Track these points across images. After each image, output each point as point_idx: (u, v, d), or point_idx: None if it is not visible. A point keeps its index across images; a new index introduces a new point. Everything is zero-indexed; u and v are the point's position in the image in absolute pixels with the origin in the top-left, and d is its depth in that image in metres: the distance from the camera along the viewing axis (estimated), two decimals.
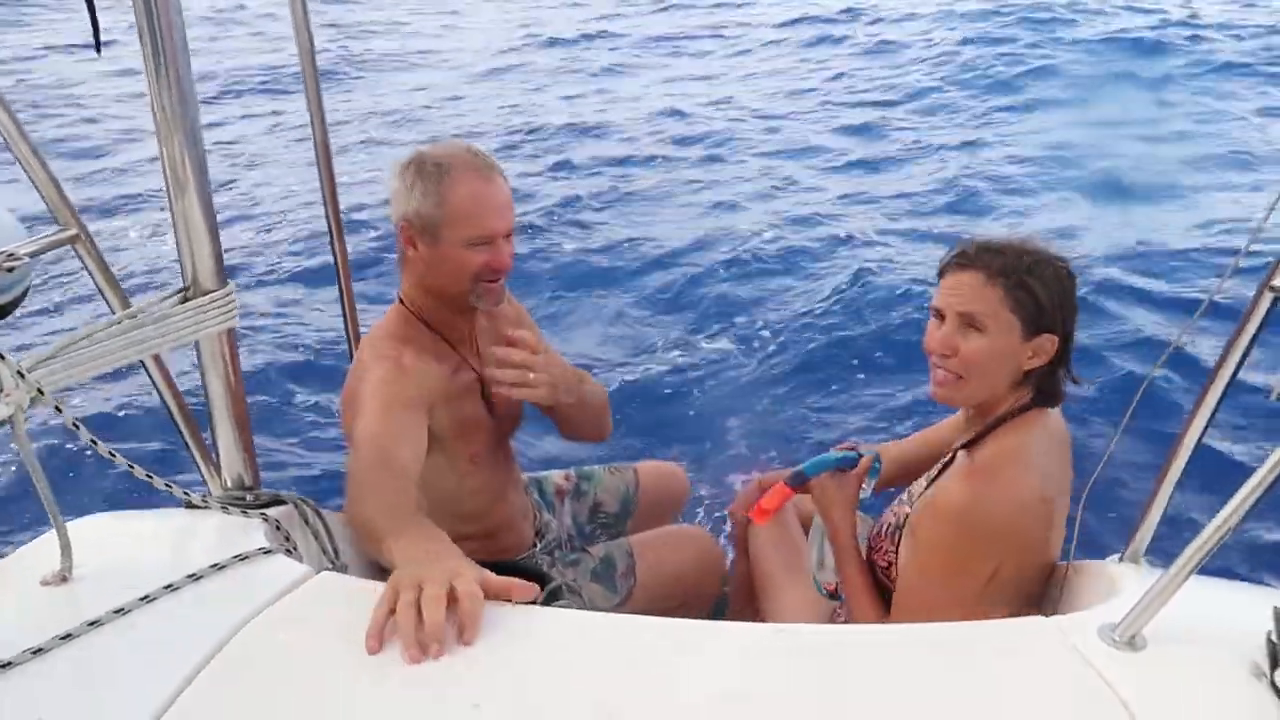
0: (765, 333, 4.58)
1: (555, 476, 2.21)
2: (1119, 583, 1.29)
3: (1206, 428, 1.32)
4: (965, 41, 9.38)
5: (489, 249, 1.63)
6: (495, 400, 1.79)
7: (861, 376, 4.15)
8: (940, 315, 1.52)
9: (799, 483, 1.68)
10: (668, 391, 4.13)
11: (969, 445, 1.55)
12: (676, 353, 4.44)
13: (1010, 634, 1.13)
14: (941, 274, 1.54)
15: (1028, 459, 1.47)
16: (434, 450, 1.57)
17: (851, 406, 3.99)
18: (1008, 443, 1.49)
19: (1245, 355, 1.25)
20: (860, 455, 1.72)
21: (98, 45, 1.23)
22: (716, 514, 3.20)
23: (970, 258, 1.50)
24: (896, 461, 1.92)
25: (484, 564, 1.16)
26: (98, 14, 1.18)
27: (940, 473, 1.59)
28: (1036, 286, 1.46)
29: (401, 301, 1.75)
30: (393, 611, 1.03)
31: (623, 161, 6.98)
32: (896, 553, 1.58)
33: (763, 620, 1.98)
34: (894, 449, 1.98)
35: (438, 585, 1.04)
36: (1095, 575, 1.42)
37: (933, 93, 8.25)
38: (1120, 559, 1.44)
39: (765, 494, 1.67)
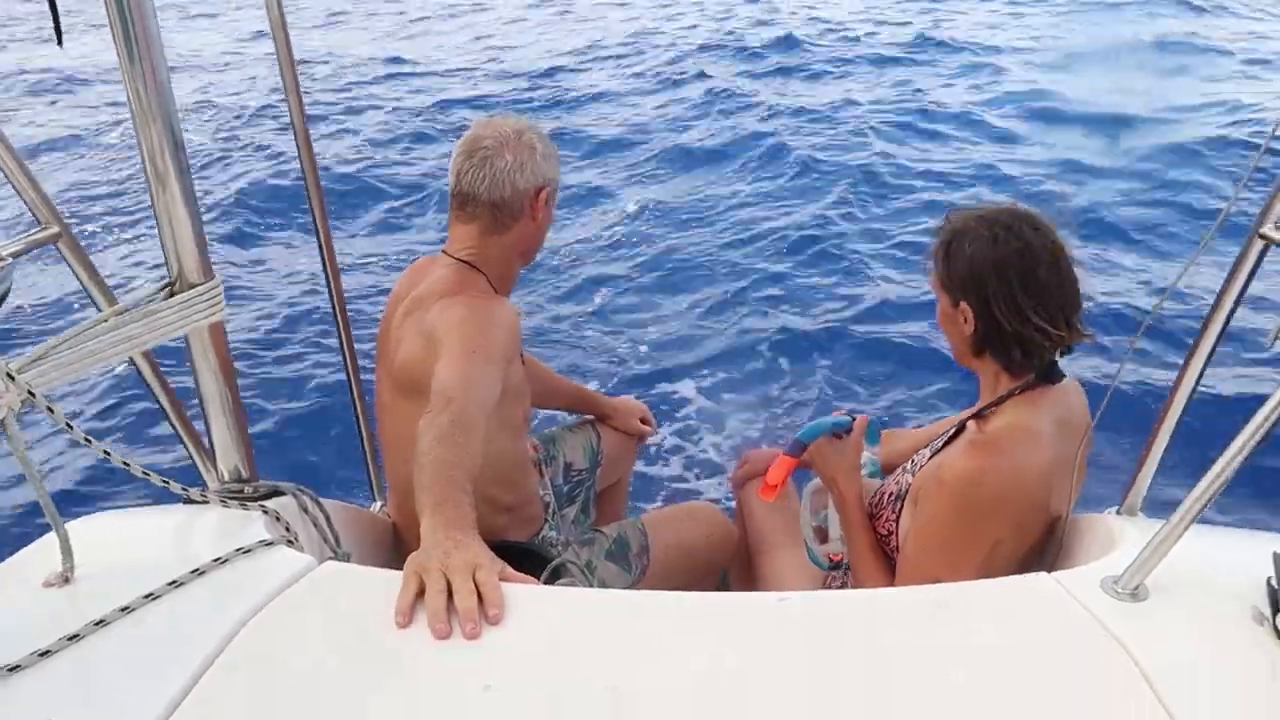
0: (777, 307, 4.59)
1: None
2: (1118, 535, 1.29)
3: (1200, 377, 1.32)
4: None
5: None
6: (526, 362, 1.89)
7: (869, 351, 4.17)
8: None
9: (798, 451, 1.65)
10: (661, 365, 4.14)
11: (976, 418, 1.54)
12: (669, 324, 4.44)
13: (1013, 591, 1.13)
14: None
15: (1035, 434, 1.45)
16: (500, 404, 1.57)
17: (857, 377, 4.01)
18: (1017, 418, 1.48)
19: (1237, 303, 1.25)
20: (854, 418, 1.69)
21: (59, 37, 1.19)
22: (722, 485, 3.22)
23: (935, 229, 1.56)
24: (911, 448, 1.87)
25: (497, 545, 1.17)
26: (58, 5, 1.14)
27: (946, 444, 1.58)
28: (954, 256, 1.49)
29: (465, 263, 1.74)
30: (419, 594, 1.04)
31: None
32: (897, 522, 1.57)
33: (758, 584, 1.99)
34: (909, 434, 1.99)
35: (463, 577, 1.05)
36: (1093, 529, 1.43)
37: None
38: (1118, 511, 1.45)
39: (769, 469, 1.64)
